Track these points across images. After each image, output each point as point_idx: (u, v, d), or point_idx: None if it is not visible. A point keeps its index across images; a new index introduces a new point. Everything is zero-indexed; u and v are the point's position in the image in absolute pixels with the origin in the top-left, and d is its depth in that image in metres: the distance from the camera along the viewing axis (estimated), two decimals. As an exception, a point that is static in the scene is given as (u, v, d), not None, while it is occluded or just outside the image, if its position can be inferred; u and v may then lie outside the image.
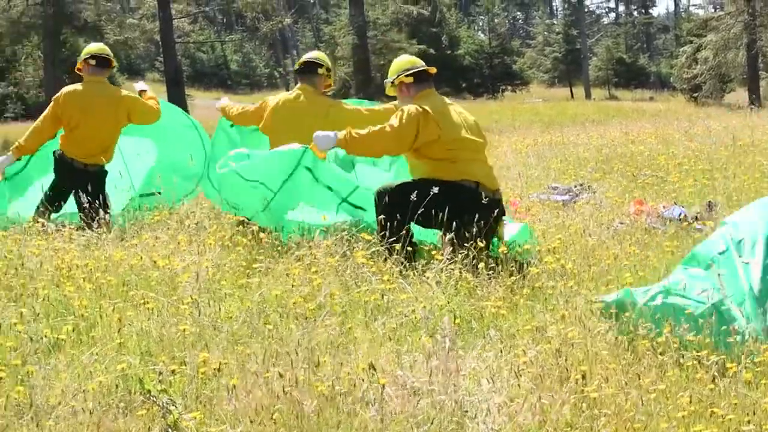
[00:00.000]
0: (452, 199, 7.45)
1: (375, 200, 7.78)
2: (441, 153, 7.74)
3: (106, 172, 10.02)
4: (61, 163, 9.83)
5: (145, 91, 10.37)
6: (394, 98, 8.53)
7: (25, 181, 10.22)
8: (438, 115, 7.73)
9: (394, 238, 7.28)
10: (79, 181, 9.61)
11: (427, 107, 7.72)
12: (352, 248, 7.14)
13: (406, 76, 8.03)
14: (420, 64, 8.18)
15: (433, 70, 8.18)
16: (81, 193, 9.08)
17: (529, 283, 6.63)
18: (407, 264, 7.04)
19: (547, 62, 76.62)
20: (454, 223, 7.34)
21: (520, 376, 4.91)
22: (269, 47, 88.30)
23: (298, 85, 9.42)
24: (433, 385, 4.65)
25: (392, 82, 8.15)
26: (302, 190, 8.19)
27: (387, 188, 7.77)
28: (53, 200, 9.80)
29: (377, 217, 7.64)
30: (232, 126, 9.89)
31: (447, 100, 8.20)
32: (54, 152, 9.94)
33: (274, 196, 8.00)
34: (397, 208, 7.48)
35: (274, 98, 9.45)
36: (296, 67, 9.78)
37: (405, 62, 8.21)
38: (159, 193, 10.23)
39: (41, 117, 10.01)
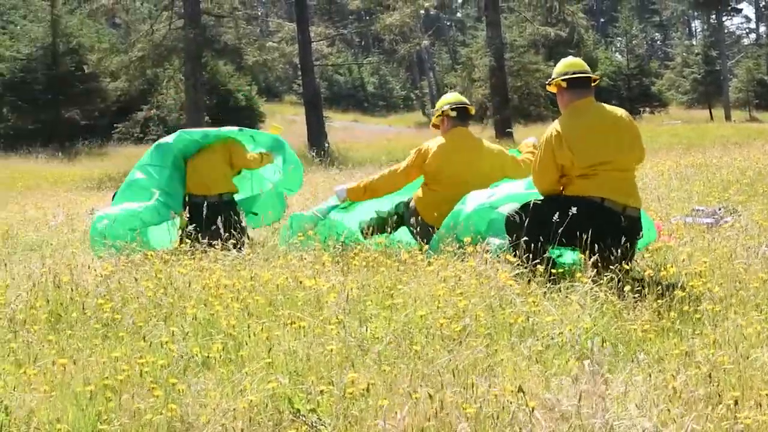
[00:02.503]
0: (577, 214, 7.41)
1: (507, 221, 7.79)
2: (576, 171, 7.73)
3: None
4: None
5: None
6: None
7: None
8: (574, 139, 7.67)
9: (538, 260, 7.27)
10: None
11: (560, 129, 7.69)
12: (496, 270, 7.12)
13: (562, 80, 7.99)
14: (581, 68, 8.07)
15: (595, 76, 8.09)
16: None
17: (677, 306, 6.53)
18: (551, 286, 7.00)
19: (686, 84, 75.35)
20: (583, 239, 7.33)
21: (671, 401, 4.84)
22: (406, 69, 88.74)
23: (457, 128, 9.60)
24: (582, 408, 4.60)
25: (548, 84, 8.13)
26: None
27: (518, 209, 7.77)
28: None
29: (510, 238, 7.66)
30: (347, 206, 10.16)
31: (606, 108, 8.02)
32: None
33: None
34: (530, 228, 7.47)
35: (435, 144, 9.61)
36: (452, 110, 9.68)
37: (565, 65, 8.13)
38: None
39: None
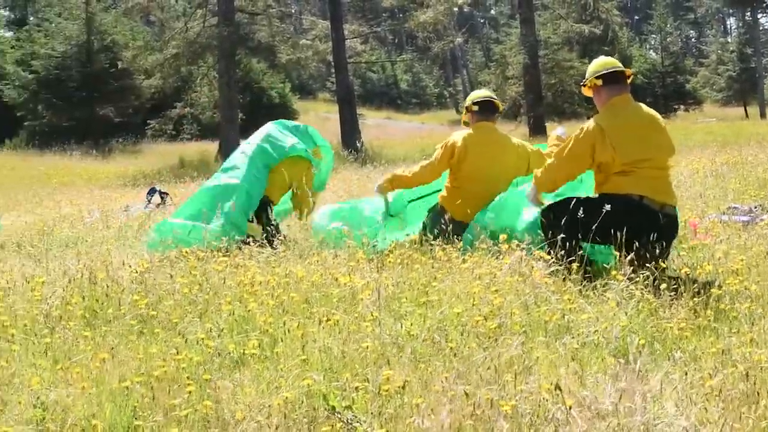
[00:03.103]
0: (614, 212, 7.38)
1: (542, 219, 7.78)
2: (616, 168, 7.70)
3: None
4: None
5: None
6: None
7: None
8: (615, 136, 7.64)
9: (572, 258, 7.25)
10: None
11: (603, 125, 7.66)
12: (531, 267, 7.10)
13: (596, 78, 7.96)
14: (613, 65, 8.03)
15: (629, 71, 8.06)
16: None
17: (713, 304, 6.48)
18: (587, 283, 6.98)
19: (720, 81, 74.93)
20: (620, 237, 7.30)
21: (708, 399, 4.80)
22: (439, 67, 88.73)
23: (481, 122, 9.62)
24: (620, 407, 4.57)
25: (583, 85, 8.11)
26: None
27: (553, 207, 7.76)
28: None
29: (546, 235, 7.64)
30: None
31: (643, 107, 8.03)
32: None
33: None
34: (566, 226, 7.45)
35: (460, 138, 9.62)
36: (473, 104, 9.71)
37: (598, 64, 8.09)
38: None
39: None
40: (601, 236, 7.44)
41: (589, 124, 7.78)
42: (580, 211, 7.41)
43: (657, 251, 7.27)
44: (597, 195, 7.78)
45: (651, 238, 7.30)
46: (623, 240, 7.23)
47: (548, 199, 8.28)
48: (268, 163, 10.47)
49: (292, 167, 10.59)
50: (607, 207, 7.35)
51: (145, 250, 9.69)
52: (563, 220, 7.47)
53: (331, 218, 9.89)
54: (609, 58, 8.26)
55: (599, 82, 7.91)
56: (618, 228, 7.28)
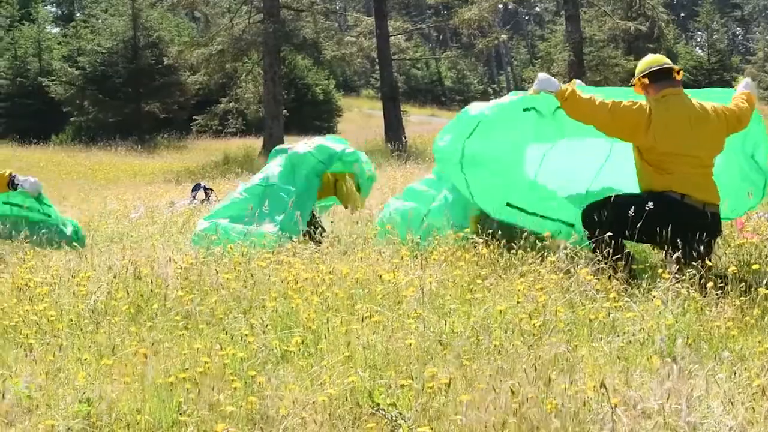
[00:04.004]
0: (657, 210, 7.32)
1: (584, 217, 7.73)
2: (655, 161, 7.67)
3: None
4: None
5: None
6: None
7: None
8: (661, 125, 7.58)
9: (618, 255, 7.21)
10: None
11: (652, 111, 7.60)
12: (576, 265, 7.07)
13: (642, 77, 7.91)
14: (660, 62, 7.95)
15: (677, 67, 7.97)
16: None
17: (761, 303, 6.42)
18: (632, 282, 6.94)
19: (767, 79, 74.35)
20: (660, 234, 7.24)
21: (755, 399, 4.76)
22: (484, 64, 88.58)
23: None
24: (665, 406, 4.54)
25: (632, 85, 8.04)
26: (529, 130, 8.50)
27: (597, 204, 7.71)
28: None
29: (591, 233, 7.58)
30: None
31: (695, 103, 7.87)
32: None
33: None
34: (609, 224, 7.40)
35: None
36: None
37: (645, 63, 8.04)
38: None
39: None
40: (646, 235, 7.40)
41: (643, 101, 7.74)
42: (630, 210, 7.34)
43: (701, 250, 7.21)
44: (639, 193, 7.72)
45: (694, 237, 7.24)
46: (668, 239, 7.19)
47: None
48: (317, 168, 10.43)
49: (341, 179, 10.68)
50: (650, 205, 7.29)
51: (190, 245, 9.72)
52: (606, 219, 7.43)
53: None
54: (657, 55, 8.15)
55: (646, 80, 7.86)
56: (662, 226, 7.23)
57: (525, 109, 8.37)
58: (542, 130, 8.53)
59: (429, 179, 9.66)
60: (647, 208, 7.28)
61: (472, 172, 8.38)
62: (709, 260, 7.33)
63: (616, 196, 7.68)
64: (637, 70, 8.02)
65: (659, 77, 7.82)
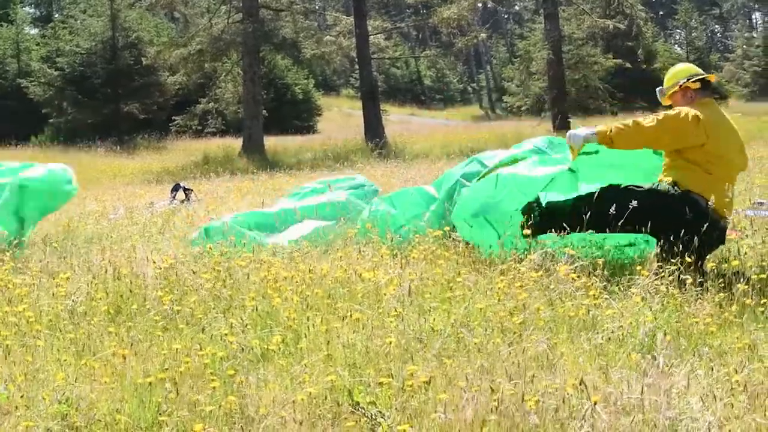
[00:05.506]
0: (680, 209, 7.42)
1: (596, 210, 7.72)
2: (700, 159, 7.66)
3: None
4: None
5: None
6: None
7: None
8: (711, 124, 7.67)
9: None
10: None
11: (700, 114, 7.62)
12: (556, 262, 7.07)
13: (694, 81, 7.94)
14: (699, 72, 8.05)
15: (713, 77, 8.07)
16: None
17: (740, 299, 6.44)
18: (611, 279, 6.96)
19: (746, 76, 74.58)
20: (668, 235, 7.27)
21: (734, 395, 4.77)
22: (463, 62, 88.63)
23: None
24: (645, 402, 4.55)
25: (679, 86, 8.00)
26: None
27: (606, 196, 7.71)
28: None
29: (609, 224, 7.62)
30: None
31: (726, 114, 8.04)
32: None
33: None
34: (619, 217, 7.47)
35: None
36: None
37: (682, 70, 8.12)
38: None
39: None
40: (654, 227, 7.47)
41: (682, 109, 7.72)
42: (665, 208, 7.44)
43: (698, 255, 7.23)
44: (669, 186, 7.70)
45: (697, 243, 7.23)
46: (671, 236, 7.23)
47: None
48: None
49: None
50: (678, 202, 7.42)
51: (173, 243, 9.72)
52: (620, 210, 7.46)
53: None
54: (690, 64, 8.31)
55: (696, 85, 7.90)
56: (676, 226, 7.25)
57: (570, 170, 8.46)
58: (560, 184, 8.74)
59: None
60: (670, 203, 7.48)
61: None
62: (702, 264, 7.35)
63: (626, 187, 7.77)
64: (673, 77, 8.03)
65: (705, 86, 7.99)
